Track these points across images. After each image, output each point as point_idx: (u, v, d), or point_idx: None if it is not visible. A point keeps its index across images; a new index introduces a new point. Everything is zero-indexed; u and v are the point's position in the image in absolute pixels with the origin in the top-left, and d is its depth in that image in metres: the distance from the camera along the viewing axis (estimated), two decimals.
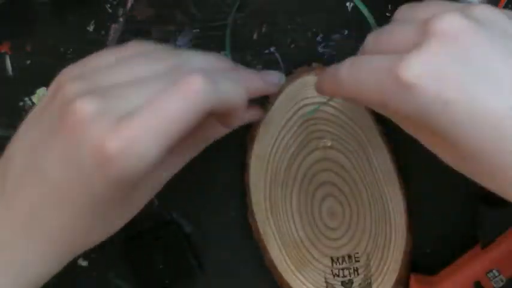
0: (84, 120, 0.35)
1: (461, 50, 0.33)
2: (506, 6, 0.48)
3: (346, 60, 0.38)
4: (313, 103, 0.48)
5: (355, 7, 0.49)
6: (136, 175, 0.36)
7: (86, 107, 0.35)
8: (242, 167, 0.49)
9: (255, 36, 0.50)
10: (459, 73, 0.33)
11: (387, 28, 0.38)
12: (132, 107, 0.36)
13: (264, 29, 0.50)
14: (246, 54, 0.49)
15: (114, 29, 0.50)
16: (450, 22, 0.34)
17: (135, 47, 0.41)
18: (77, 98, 0.36)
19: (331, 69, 0.39)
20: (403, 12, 0.40)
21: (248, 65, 0.49)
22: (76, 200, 0.37)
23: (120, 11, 0.50)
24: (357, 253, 0.49)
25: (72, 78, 0.38)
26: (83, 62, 0.40)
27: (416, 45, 0.34)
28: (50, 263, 0.40)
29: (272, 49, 0.50)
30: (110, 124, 0.35)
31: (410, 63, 0.33)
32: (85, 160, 0.35)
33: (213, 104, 0.37)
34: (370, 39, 0.39)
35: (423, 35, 0.34)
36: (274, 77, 0.47)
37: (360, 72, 0.36)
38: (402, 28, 0.37)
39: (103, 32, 0.49)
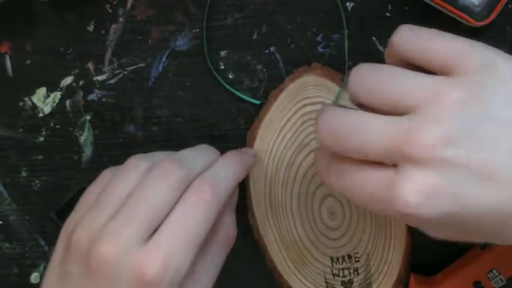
0: (113, 259, 0.36)
1: (444, 164, 0.33)
2: (506, 6, 0.48)
3: (327, 165, 0.38)
4: (313, 103, 0.48)
5: (355, 7, 0.49)
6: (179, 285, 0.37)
7: (108, 249, 0.36)
8: None
9: (255, 36, 0.50)
10: (450, 185, 0.33)
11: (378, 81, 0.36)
12: (148, 226, 0.37)
13: (264, 29, 0.50)
14: (246, 54, 0.49)
15: (114, 29, 0.50)
16: (428, 142, 0.33)
17: (130, 167, 0.41)
18: (94, 245, 0.37)
19: (321, 162, 0.39)
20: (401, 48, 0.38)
21: (248, 65, 0.49)
22: None
23: (120, 11, 0.50)
24: (357, 253, 0.49)
25: (79, 227, 0.38)
26: (84, 201, 0.41)
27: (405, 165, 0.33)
28: None
29: (272, 49, 0.50)
30: (138, 252, 0.36)
31: (406, 193, 0.33)
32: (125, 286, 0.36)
33: (222, 203, 0.40)
34: (360, 79, 0.37)
35: (403, 156, 0.33)
36: (249, 153, 0.47)
37: (351, 184, 0.36)
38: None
39: (103, 32, 0.49)
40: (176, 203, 0.39)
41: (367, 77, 0.36)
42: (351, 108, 0.37)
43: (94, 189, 0.41)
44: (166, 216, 0.38)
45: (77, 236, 0.38)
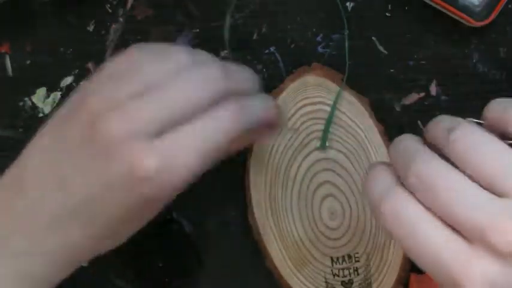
0: (115, 138, 0.35)
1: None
2: (506, 6, 0.48)
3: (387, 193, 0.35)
4: (313, 103, 0.48)
5: (355, 7, 0.49)
6: (171, 194, 0.36)
7: (116, 126, 0.35)
8: (242, 167, 0.49)
9: (255, 36, 0.50)
10: None
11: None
12: (166, 123, 0.35)
13: (264, 29, 0.50)
14: (246, 54, 0.49)
15: (114, 29, 0.50)
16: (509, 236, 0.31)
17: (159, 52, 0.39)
18: (106, 114, 0.35)
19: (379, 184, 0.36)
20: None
21: (248, 65, 0.49)
22: (101, 214, 0.37)
23: (120, 11, 0.50)
24: (357, 253, 0.48)
25: (97, 93, 0.37)
26: (105, 72, 0.38)
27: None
28: (62, 272, 0.39)
29: (272, 49, 0.50)
30: (146, 142, 0.35)
31: (477, 277, 0.32)
32: (118, 178, 0.35)
33: (246, 128, 0.38)
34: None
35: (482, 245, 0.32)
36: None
37: (414, 233, 0.34)
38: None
39: (103, 32, 0.50)
40: (202, 112, 0.36)
41: (472, 143, 0.34)
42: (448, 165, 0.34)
43: (119, 62, 0.38)
44: (186, 120, 0.36)
45: (91, 101, 0.36)
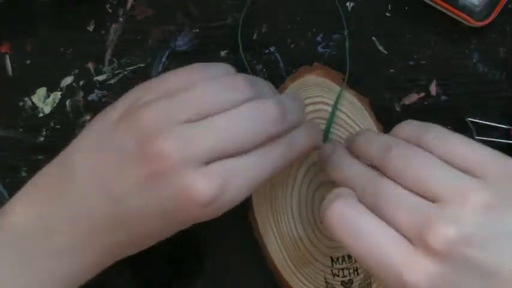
0: (171, 163, 0.36)
1: (457, 260, 0.34)
2: (506, 6, 0.48)
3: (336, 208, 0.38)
4: (314, 102, 0.48)
5: (355, 7, 0.49)
6: (216, 216, 0.38)
7: (171, 150, 0.36)
8: None
9: (255, 36, 0.50)
10: (456, 281, 0.35)
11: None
12: (220, 154, 0.37)
13: (264, 29, 0.50)
14: (246, 54, 0.49)
15: (114, 29, 0.50)
16: (448, 236, 0.34)
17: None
18: (161, 136, 0.36)
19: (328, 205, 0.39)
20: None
21: (248, 65, 0.49)
22: (142, 225, 0.38)
23: (120, 11, 0.50)
24: None
25: (153, 107, 0.37)
26: (166, 84, 0.39)
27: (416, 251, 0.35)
28: (92, 274, 0.40)
29: (272, 49, 0.50)
30: (199, 169, 0.36)
31: (416, 276, 0.34)
32: (173, 202, 0.37)
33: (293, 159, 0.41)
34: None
35: (421, 247, 0.35)
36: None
37: (357, 231, 0.37)
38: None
39: (103, 32, 0.50)
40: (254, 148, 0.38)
41: (403, 152, 0.38)
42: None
43: (182, 78, 0.39)
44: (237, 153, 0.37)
45: (145, 116, 0.37)
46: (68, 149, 0.40)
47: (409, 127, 0.40)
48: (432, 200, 0.36)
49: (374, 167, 0.39)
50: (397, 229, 0.36)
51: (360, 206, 0.37)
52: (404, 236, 0.36)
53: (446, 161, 0.37)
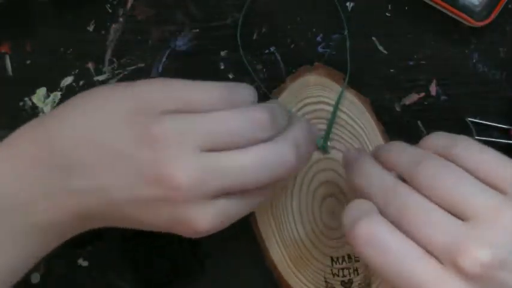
0: (181, 193, 0.36)
1: (492, 283, 0.34)
2: (506, 6, 0.48)
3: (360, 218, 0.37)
4: (314, 102, 0.48)
5: (355, 7, 0.49)
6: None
7: (184, 179, 0.36)
8: None
9: (255, 36, 0.50)
10: None
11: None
12: (229, 189, 0.37)
13: (264, 29, 0.50)
14: (246, 54, 0.49)
15: (114, 29, 0.50)
16: (481, 259, 0.34)
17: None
18: (175, 160, 0.36)
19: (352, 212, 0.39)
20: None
21: (248, 65, 0.49)
22: (135, 224, 0.39)
23: (120, 11, 0.50)
24: None
25: (169, 122, 0.37)
26: (186, 95, 0.38)
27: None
28: (62, 229, 0.40)
29: (272, 49, 0.50)
30: (206, 203, 0.37)
31: None
32: (167, 219, 0.38)
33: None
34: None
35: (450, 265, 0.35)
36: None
37: (387, 258, 0.36)
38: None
39: (103, 32, 0.49)
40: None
41: (436, 169, 0.37)
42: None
43: (199, 92, 0.38)
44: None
45: (163, 131, 0.36)
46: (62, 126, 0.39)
47: (437, 139, 0.39)
48: (461, 216, 0.35)
49: (402, 179, 0.38)
50: (425, 246, 0.35)
51: (387, 224, 0.36)
52: (432, 253, 0.35)
53: (473, 174, 0.36)
